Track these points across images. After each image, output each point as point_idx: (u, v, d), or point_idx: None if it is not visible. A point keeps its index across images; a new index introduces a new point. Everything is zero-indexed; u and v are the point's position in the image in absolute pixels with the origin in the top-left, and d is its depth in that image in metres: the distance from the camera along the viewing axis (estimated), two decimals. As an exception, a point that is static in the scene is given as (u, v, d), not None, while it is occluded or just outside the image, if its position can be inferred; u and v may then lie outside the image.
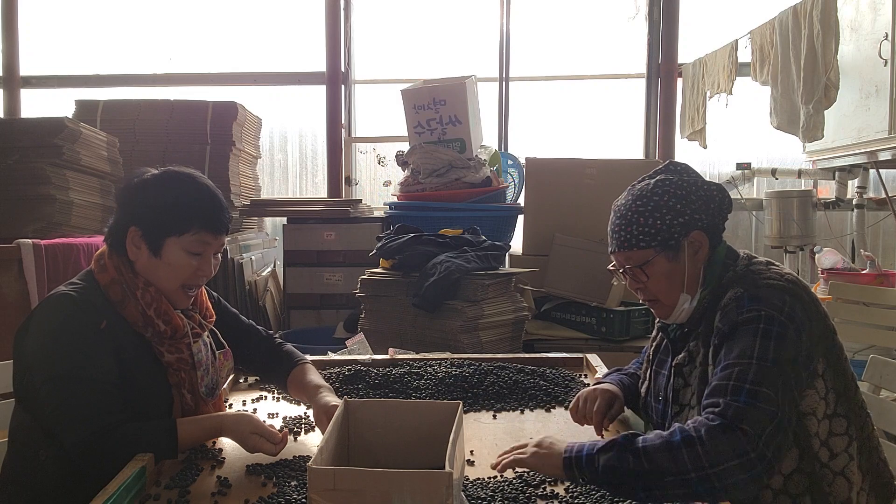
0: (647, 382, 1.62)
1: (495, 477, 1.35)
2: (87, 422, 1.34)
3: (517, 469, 1.37)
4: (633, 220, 1.45)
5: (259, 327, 1.86)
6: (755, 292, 1.36)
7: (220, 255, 1.58)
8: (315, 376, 1.72)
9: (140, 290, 1.48)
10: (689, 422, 1.25)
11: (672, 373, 1.50)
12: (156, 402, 1.48)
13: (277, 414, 1.74)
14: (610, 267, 1.58)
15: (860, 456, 1.40)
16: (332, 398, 1.60)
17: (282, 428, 1.55)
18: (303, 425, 1.65)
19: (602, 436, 1.57)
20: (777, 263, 1.49)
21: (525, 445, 1.33)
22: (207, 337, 1.61)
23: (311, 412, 1.73)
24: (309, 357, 1.84)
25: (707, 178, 1.54)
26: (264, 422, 1.49)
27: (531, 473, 1.35)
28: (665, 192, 1.46)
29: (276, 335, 1.89)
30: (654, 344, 1.64)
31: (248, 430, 1.43)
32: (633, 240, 1.45)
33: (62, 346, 1.39)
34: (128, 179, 1.56)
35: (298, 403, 1.83)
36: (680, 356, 1.49)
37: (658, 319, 1.61)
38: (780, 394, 1.25)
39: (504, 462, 1.32)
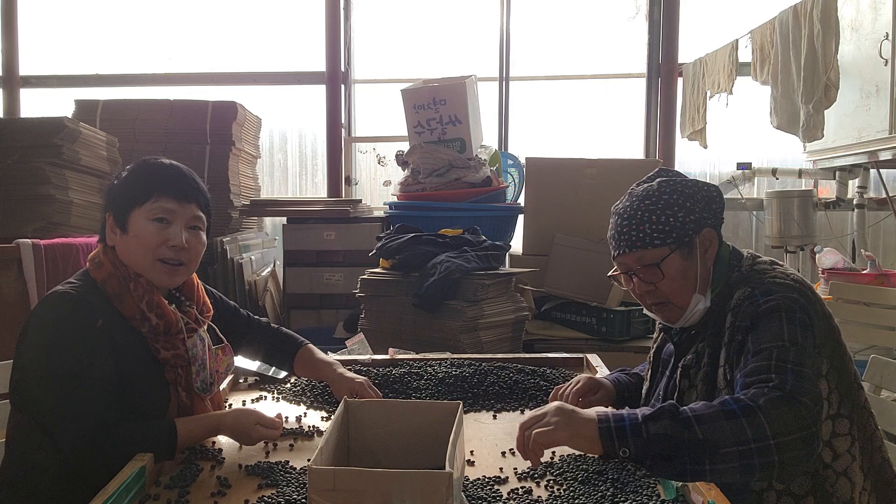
0: (648, 383, 1.62)
1: (495, 477, 1.35)
2: (85, 421, 1.34)
3: (519, 470, 1.36)
4: (645, 219, 1.43)
5: (255, 316, 1.91)
6: (766, 288, 1.36)
7: (202, 232, 1.56)
8: (322, 355, 1.86)
9: (132, 283, 1.47)
10: (737, 394, 1.20)
11: (679, 374, 1.49)
12: (153, 399, 1.48)
13: (280, 415, 1.73)
14: (612, 273, 1.55)
15: (862, 456, 1.40)
16: (347, 372, 1.76)
17: (277, 414, 1.57)
18: (302, 426, 1.65)
19: None
20: (781, 263, 1.49)
21: (541, 418, 1.20)
22: (205, 332, 1.61)
23: (310, 412, 1.77)
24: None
25: (707, 179, 1.54)
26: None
27: (532, 472, 1.35)
28: (673, 190, 1.45)
29: (269, 320, 1.97)
30: (656, 345, 1.64)
31: (251, 423, 1.47)
32: (646, 238, 1.43)
33: (58, 344, 1.38)
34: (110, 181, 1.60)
35: (298, 404, 1.83)
36: (688, 357, 1.48)
37: (660, 322, 1.59)
38: (815, 377, 1.25)
39: (532, 444, 1.18)
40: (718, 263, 1.48)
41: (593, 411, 1.20)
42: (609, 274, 1.57)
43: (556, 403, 1.23)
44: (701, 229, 1.44)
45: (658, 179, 1.49)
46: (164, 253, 1.50)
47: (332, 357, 1.88)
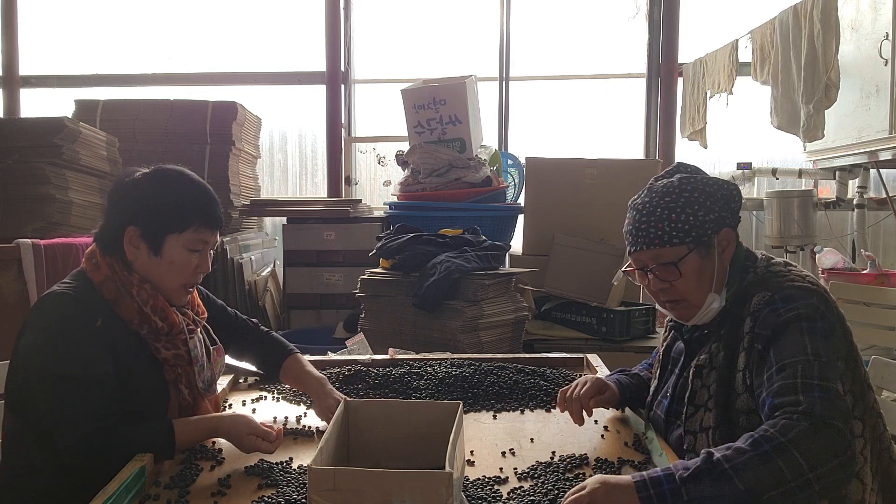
0: (656, 381, 1.62)
1: (495, 477, 1.34)
2: (84, 423, 1.33)
3: (519, 470, 1.37)
4: (664, 217, 1.41)
5: (242, 316, 1.89)
6: (785, 293, 1.35)
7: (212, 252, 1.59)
8: (311, 368, 1.79)
9: (136, 288, 1.46)
10: (762, 428, 1.18)
11: (692, 374, 1.47)
12: (152, 399, 1.48)
13: (287, 418, 1.73)
14: (626, 268, 1.54)
15: (872, 457, 1.39)
16: (336, 393, 1.69)
17: (276, 422, 1.56)
18: (302, 427, 1.65)
19: (581, 423, 1.56)
20: (795, 264, 1.48)
21: (580, 490, 1.16)
22: (201, 333, 1.61)
23: (310, 412, 1.76)
24: (308, 357, 1.85)
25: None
26: (263, 422, 1.49)
27: (531, 472, 1.35)
28: (694, 188, 1.44)
29: (257, 321, 1.92)
30: (666, 343, 1.63)
31: (244, 431, 1.45)
32: (664, 236, 1.41)
33: (58, 345, 1.37)
34: (118, 180, 1.56)
35: (298, 404, 1.83)
36: (701, 357, 1.47)
37: (670, 319, 1.58)
38: (842, 390, 1.25)
39: None
40: (733, 263, 1.47)
41: (630, 478, 1.17)
42: (622, 269, 1.56)
43: (596, 477, 1.18)
44: (720, 229, 1.44)
45: (678, 175, 1.48)
46: (192, 279, 1.53)
47: (318, 372, 1.77)
